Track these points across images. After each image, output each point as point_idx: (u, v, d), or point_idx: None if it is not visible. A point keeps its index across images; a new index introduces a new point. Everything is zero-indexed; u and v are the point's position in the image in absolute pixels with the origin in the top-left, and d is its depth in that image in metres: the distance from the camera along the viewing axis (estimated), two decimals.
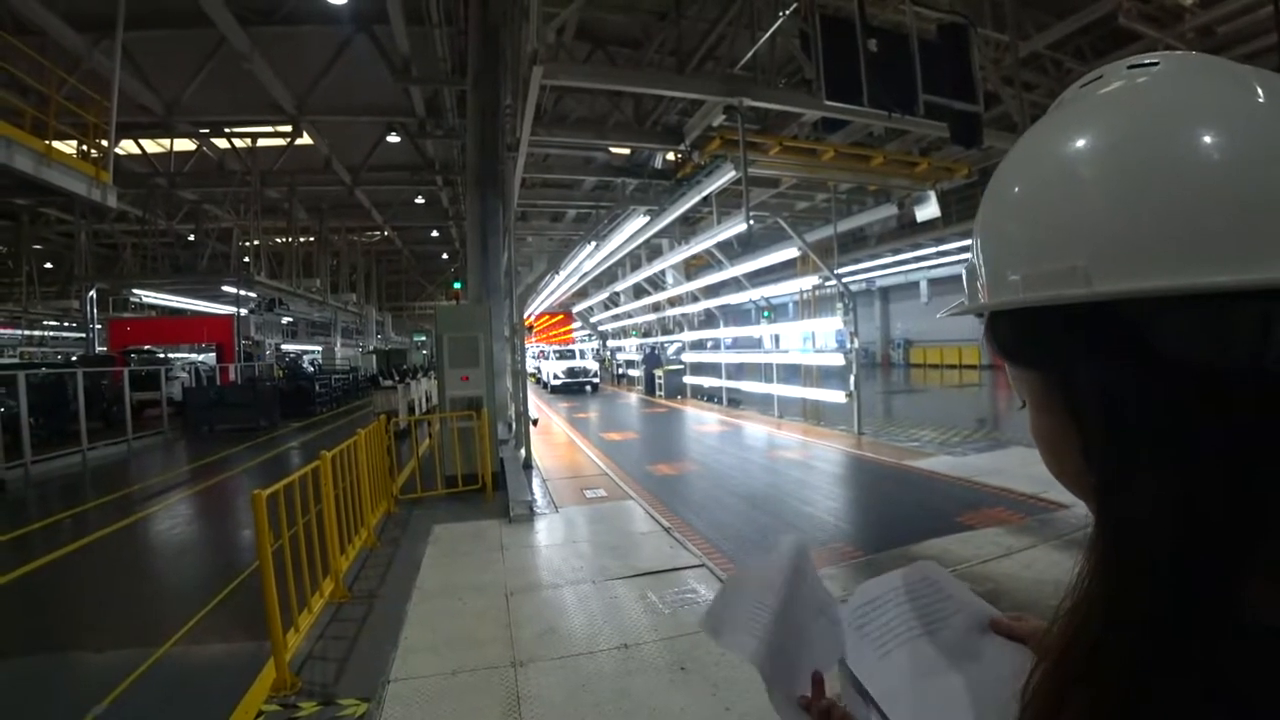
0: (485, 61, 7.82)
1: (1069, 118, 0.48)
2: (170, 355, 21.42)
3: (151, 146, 15.66)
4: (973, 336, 27.01)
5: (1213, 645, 0.35)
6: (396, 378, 15.02)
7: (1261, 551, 0.36)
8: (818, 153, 8.71)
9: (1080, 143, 0.44)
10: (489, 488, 7.08)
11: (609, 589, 4.38)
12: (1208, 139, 0.40)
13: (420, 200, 20.72)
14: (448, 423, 7.29)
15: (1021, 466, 7.61)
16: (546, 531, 5.82)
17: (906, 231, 21.38)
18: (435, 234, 26.40)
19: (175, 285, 20.84)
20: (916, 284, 29.59)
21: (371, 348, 31.00)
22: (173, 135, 14.70)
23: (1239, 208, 0.38)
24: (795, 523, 5.97)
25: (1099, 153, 0.43)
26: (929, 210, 10.95)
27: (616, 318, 25.98)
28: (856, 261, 24.55)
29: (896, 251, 23.98)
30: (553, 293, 22.33)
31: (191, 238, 21.74)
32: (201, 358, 22.11)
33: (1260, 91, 0.41)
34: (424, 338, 45.67)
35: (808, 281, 12.32)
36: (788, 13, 6.09)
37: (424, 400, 15.44)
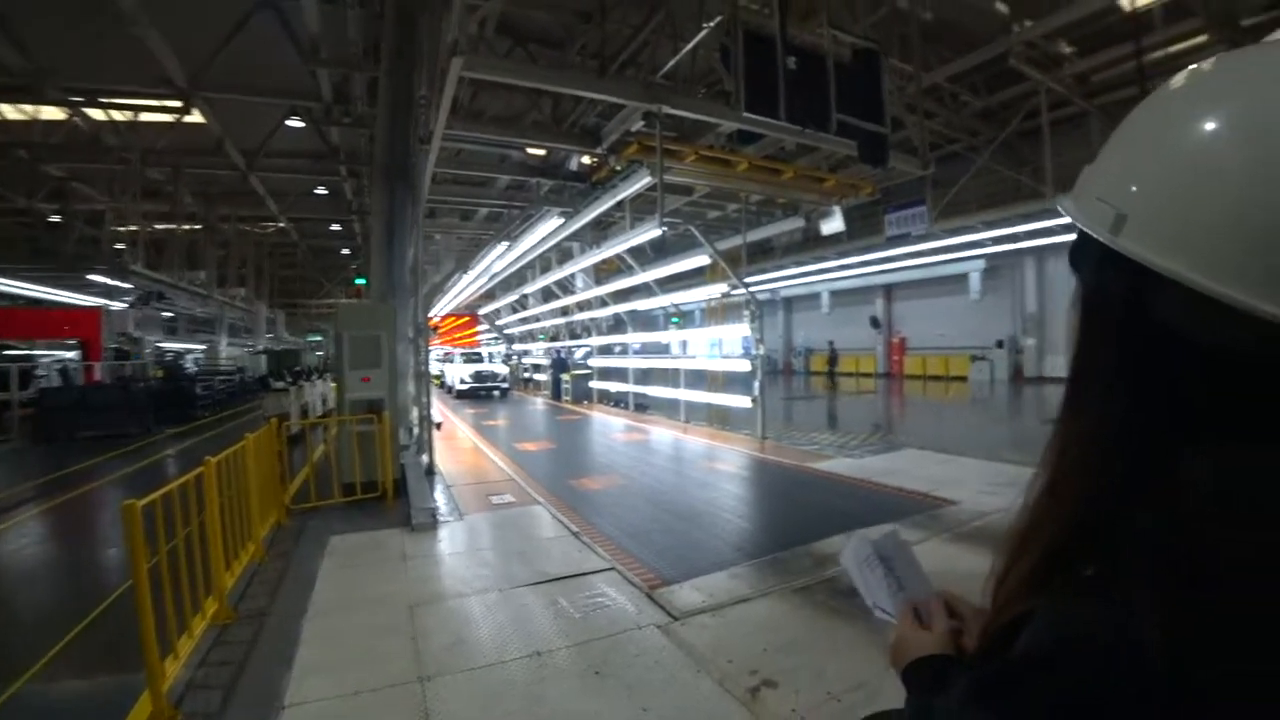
0: (401, 48, 7.48)
1: (1223, 74, 0.48)
2: (35, 352, 19.16)
3: (11, 113, 13.96)
4: (869, 345, 28.55)
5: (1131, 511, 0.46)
6: (289, 379, 14.14)
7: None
8: (732, 163, 8.94)
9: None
10: (390, 495, 6.77)
11: (518, 596, 4.28)
12: None
13: (322, 191, 19.51)
14: (346, 426, 6.91)
15: (914, 468, 8.10)
16: (451, 539, 5.62)
17: (810, 244, 22.32)
18: (336, 227, 24.94)
19: (34, 272, 18.51)
20: (818, 295, 30.96)
21: (261, 347, 29.10)
22: (40, 101, 13.12)
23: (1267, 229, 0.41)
24: (703, 524, 6.04)
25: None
26: (834, 225, 11.47)
27: (524, 321, 25.60)
28: (763, 271, 25.38)
29: (800, 263, 24.94)
30: (459, 294, 21.77)
31: (57, 219, 19.45)
32: (74, 355, 19.88)
33: None
34: (319, 337, 43.33)
35: (716, 289, 12.61)
36: (711, 25, 6.21)
37: (320, 403, 14.61)
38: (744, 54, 5.50)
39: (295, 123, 13.37)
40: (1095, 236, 0.50)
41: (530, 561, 4.97)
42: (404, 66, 7.49)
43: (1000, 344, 22.82)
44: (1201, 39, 11.05)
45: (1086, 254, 0.55)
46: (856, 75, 6.24)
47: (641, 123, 7.59)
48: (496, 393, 21.96)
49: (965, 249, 20.74)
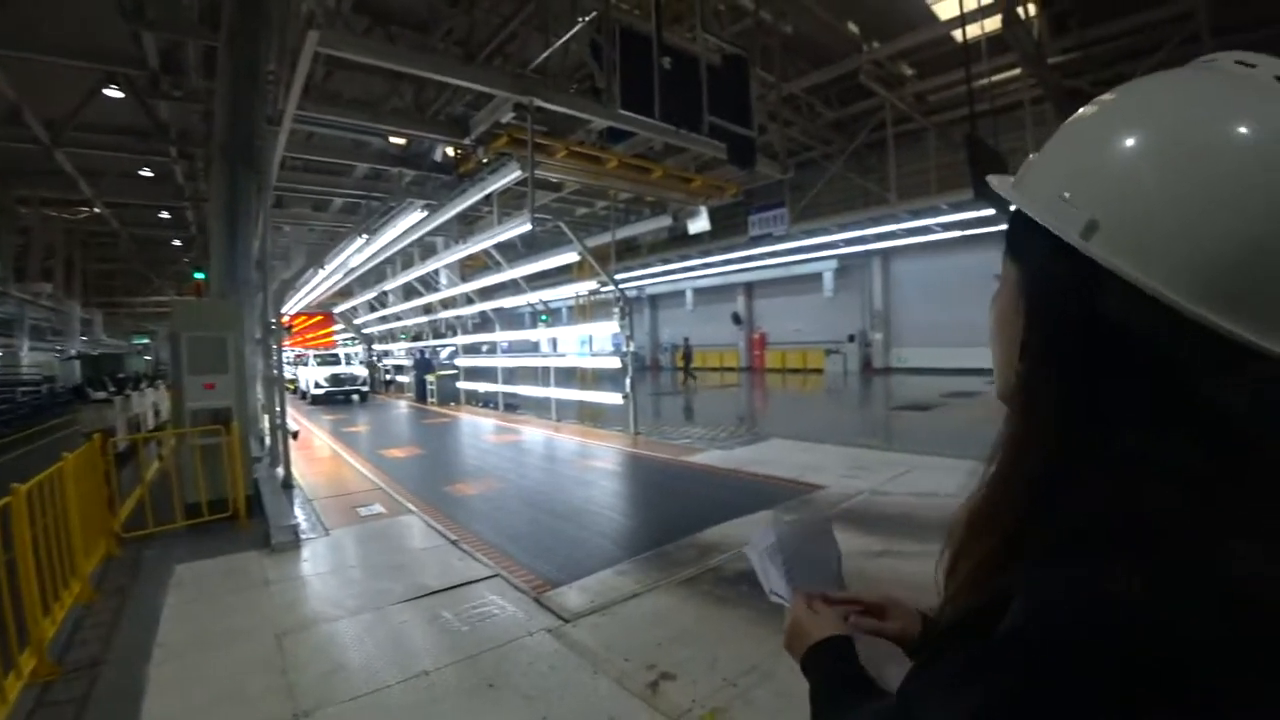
0: (246, 17, 6.72)
1: (1187, 89, 0.50)
2: None
3: None
4: (732, 341, 29.74)
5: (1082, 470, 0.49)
6: (112, 388, 12.44)
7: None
8: (603, 161, 8.95)
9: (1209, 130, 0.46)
10: (243, 514, 6.11)
11: (397, 614, 4.01)
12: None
13: (148, 173, 17.02)
14: (188, 440, 6.13)
15: (781, 456, 8.51)
16: (317, 558, 5.17)
17: (676, 243, 22.89)
18: (166, 215, 21.92)
19: None
20: (683, 292, 31.83)
21: (75, 352, 25.41)
22: None
23: (1251, 256, 0.43)
24: (586, 523, 6.00)
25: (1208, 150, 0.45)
26: (700, 224, 11.81)
27: (385, 320, 24.26)
28: (630, 269, 25.73)
29: (666, 261, 25.52)
30: (312, 290, 20.24)
31: None
32: None
33: None
34: (147, 340, 38.53)
35: (585, 286, 12.59)
36: (586, 20, 6.16)
37: (152, 414, 12.96)
38: (621, 51, 5.51)
39: (114, 93, 11.56)
40: (1061, 236, 0.51)
41: (407, 575, 4.68)
42: (249, 37, 6.73)
43: (851, 338, 24.63)
44: (1016, 71, 12.66)
45: (1033, 245, 0.56)
46: (726, 80, 6.44)
47: (512, 115, 7.37)
48: (356, 397, 20.64)
49: (820, 249, 22.21)
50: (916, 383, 19.00)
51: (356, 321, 26.80)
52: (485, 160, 8.44)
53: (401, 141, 10.07)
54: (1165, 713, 0.41)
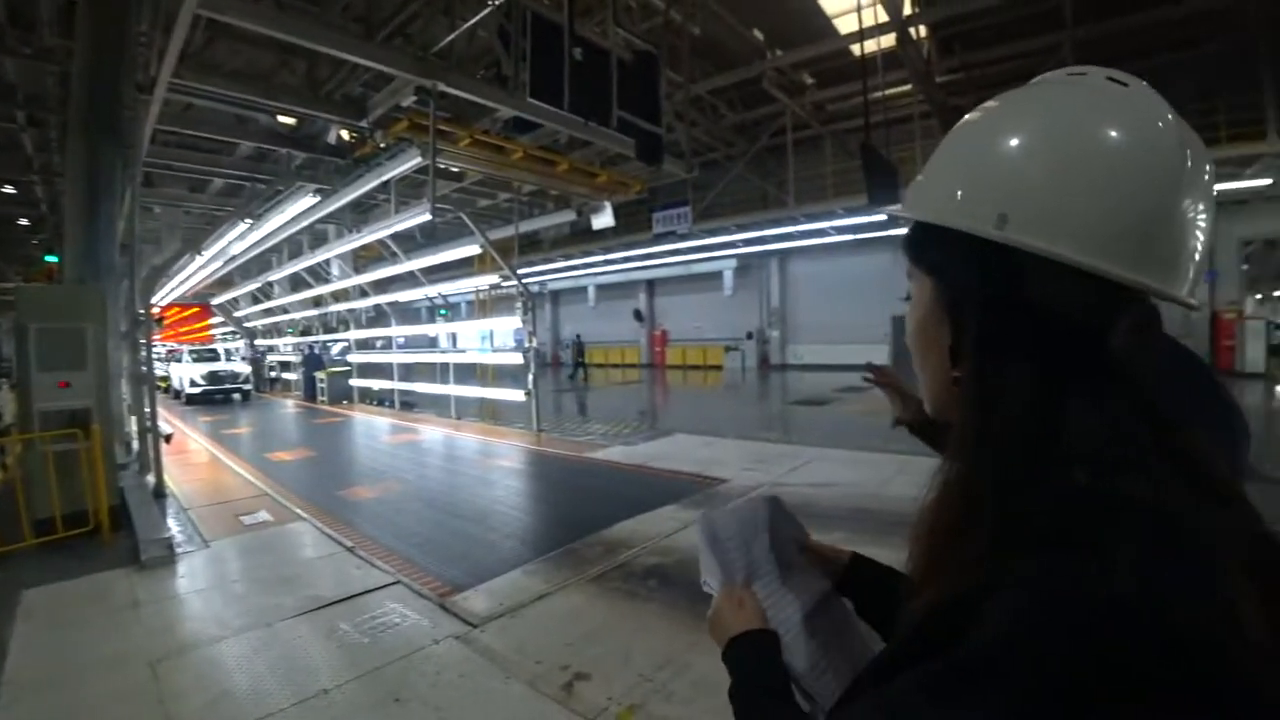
0: None
1: (1044, 98, 0.59)
2: None
3: None
4: (634, 338, 29.95)
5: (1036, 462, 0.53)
6: None
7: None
8: (507, 151, 8.73)
9: (1067, 126, 0.55)
10: (107, 528, 5.45)
11: (290, 629, 3.72)
12: (1132, 162, 0.53)
13: None
14: (37, 446, 5.38)
15: (683, 451, 8.66)
16: (195, 574, 4.70)
17: (579, 238, 22.77)
18: (10, 190, 19.32)
19: None
20: (585, 288, 31.70)
21: None
22: None
23: (1140, 221, 0.53)
24: (491, 523, 5.85)
25: (1065, 139, 0.55)
26: (605, 220, 11.77)
27: (269, 312, 22.66)
28: (531, 264, 25.38)
29: (569, 257, 25.34)
30: (187, 279, 18.61)
31: None
32: None
33: (1164, 126, 0.54)
34: None
35: (487, 280, 12.29)
36: (495, 4, 5.96)
37: None
38: (531, 40, 5.37)
39: None
40: (976, 233, 0.56)
41: (299, 587, 4.37)
42: None
43: (750, 335, 25.43)
44: (908, 87, 13.58)
45: (945, 253, 0.61)
46: (636, 76, 6.43)
47: (413, 99, 7.01)
48: (238, 396, 19.11)
49: (721, 249, 22.75)
50: (811, 379, 19.86)
51: (238, 314, 24.87)
52: (383, 145, 8.01)
53: (291, 121, 9.36)
54: (1169, 699, 0.42)
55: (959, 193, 0.59)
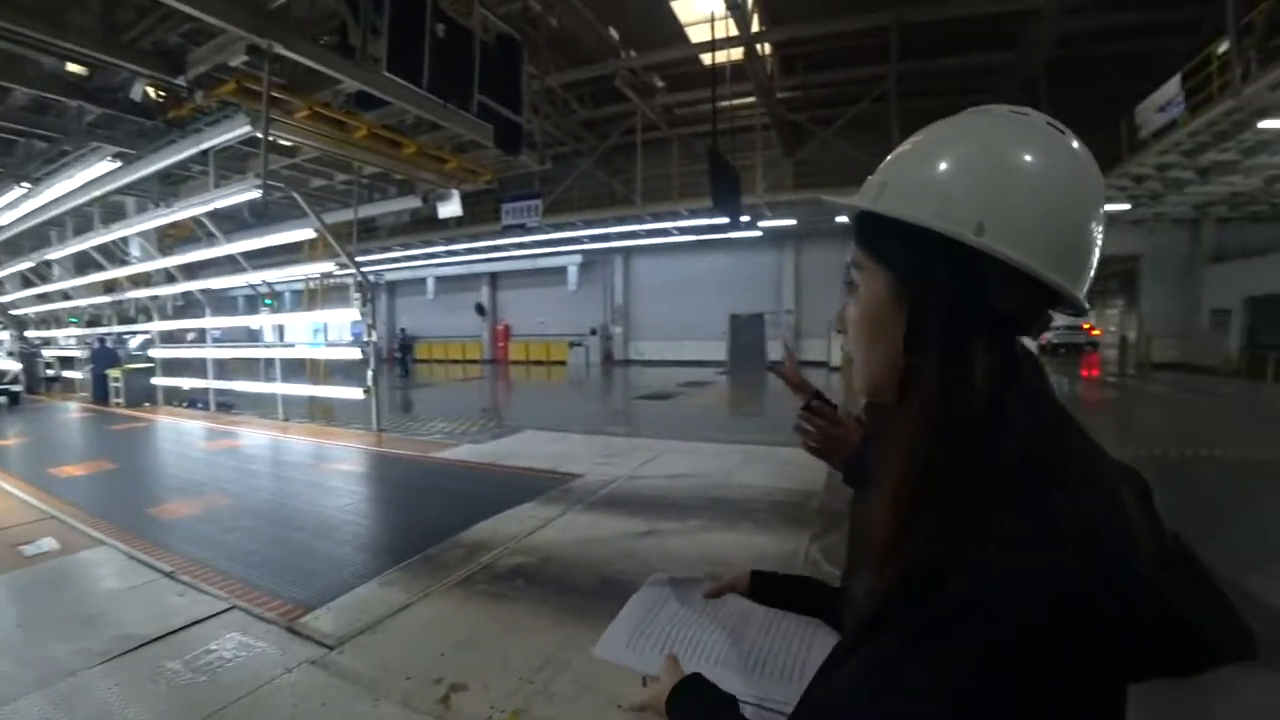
0: None
1: (1007, 130, 0.67)
2: None
3: None
4: (475, 332, 29.10)
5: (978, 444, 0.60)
6: None
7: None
8: (350, 128, 8.08)
9: (1015, 152, 0.65)
10: None
11: (100, 678, 3.11)
12: (1069, 196, 0.64)
13: None
14: None
15: (533, 448, 8.56)
16: None
17: (420, 227, 21.69)
18: None
19: None
20: (424, 280, 30.31)
21: None
22: None
23: (1078, 239, 0.64)
24: (338, 534, 5.38)
25: (1025, 164, 0.64)
26: (452, 208, 11.32)
27: (46, 298, 19.14)
28: (367, 252, 23.80)
29: (408, 246, 24.07)
30: None
31: None
32: None
33: (1091, 164, 0.66)
34: None
35: (320, 267, 11.27)
36: None
37: None
38: (391, 9, 4.97)
39: None
40: (957, 237, 0.63)
41: (106, 625, 3.68)
42: None
43: (594, 331, 25.66)
44: (752, 99, 14.48)
45: (909, 251, 0.67)
46: (499, 61, 6.19)
47: (244, 58, 6.20)
48: (4, 398, 15.91)
49: (566, 244, 22.70)
50: (654, 374, 20.43)
51: (3, 299, 20.78)
52: (204, 108, 7.04)
53: (81, 70, 7.82)
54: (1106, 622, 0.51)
55: (939, 199, 0.65)
